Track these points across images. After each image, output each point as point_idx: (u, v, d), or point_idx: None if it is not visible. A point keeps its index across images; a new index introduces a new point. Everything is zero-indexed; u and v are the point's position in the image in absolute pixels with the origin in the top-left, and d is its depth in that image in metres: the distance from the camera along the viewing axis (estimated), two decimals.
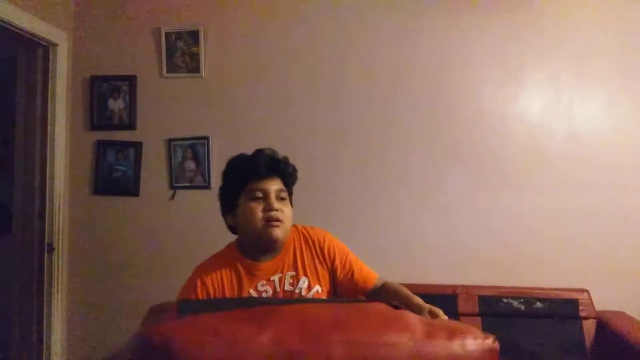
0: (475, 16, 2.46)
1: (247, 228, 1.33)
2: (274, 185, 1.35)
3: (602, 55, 2.41)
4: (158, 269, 2.59)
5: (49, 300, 2.49)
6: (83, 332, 2.60)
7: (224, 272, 1.35)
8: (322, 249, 1.42)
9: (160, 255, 2.59)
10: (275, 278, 1.34)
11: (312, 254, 1.41)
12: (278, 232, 1.32)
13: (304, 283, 1.35)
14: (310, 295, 1.34)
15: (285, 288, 1.34)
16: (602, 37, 2.41)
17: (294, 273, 1.36)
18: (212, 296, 1.31)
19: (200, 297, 1.30)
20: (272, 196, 1.33)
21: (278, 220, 1.31)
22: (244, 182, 1.33)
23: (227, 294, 1.32)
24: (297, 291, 1.34)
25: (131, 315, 2.57)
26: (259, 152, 1.38)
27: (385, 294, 1.38)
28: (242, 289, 1.33)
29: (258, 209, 1.30)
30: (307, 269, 1.38)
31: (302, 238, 1.44)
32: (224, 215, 1.43)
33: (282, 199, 1.37)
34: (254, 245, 1.36)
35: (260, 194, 1.32)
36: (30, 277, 2.49)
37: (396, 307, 0.87)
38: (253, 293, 1.32)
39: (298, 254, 1.40)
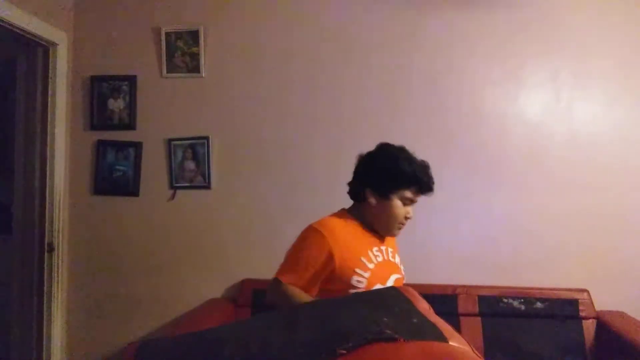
0: (475, 15, 2.47)
1: (382, 217, 1.51)
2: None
3: (602, 55, 2.41)
4: (158, 269, 2.59)
5: (49, 300, 2.49)
6: (83, 332, 2.60)
7: (348, 226, 1.49)
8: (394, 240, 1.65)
9: (160, 255, 2.59)
10: (383, 248, 1.52)
11: (393, 241, 1.63)
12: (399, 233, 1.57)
13: (397, 258, 1.58)
14: (403, 267, 1.58)
15: (391, 259, 1.53)
16: (602, 37, 2.41)
17: (392, 249, 1.57)
18: (341, 245, 1.41)
19: (331, 246, 1.40)
20: (413, 206, 1.52)
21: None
22: (409, 187, 1.48)
23: (353, 245, 1.44)
24: (396, 262, 1.56)
25: (131, 315, 2.59)
26: (428, 171, 1.51)
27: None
28: (363, 248, 1.47)
29: (402, 213, 1.50)
30: (396, 249, 1.62)
31: None
32: (363, 184, 1.53)
33: None
34: (373, 224, 1.53)
35: (409, 202, 1.51)
36: (30, 277, 2.49)
37: (392, 338, 0.78)
38: (371, 255, 1.46)
39: (390, 237, 1.61)
